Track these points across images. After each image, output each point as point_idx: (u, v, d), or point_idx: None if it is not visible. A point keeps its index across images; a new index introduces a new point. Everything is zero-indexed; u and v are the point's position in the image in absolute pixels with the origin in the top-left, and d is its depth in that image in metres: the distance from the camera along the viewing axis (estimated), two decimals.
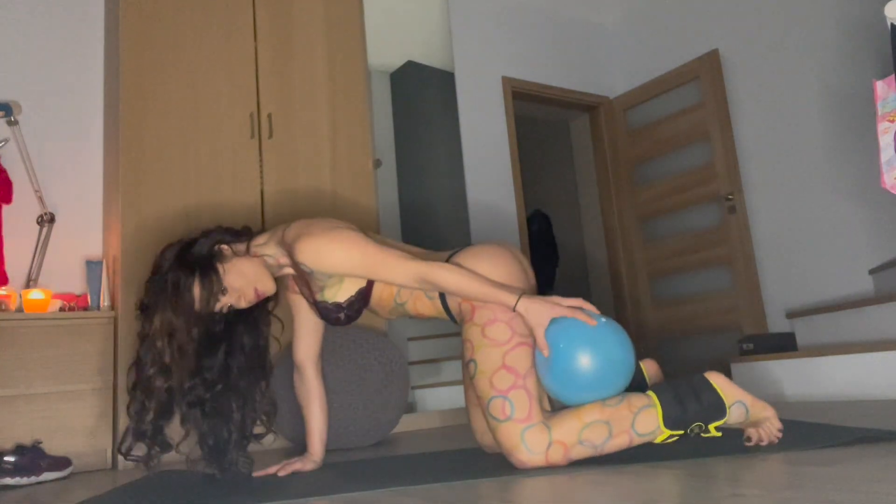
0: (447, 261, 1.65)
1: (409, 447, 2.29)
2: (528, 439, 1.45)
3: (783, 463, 1.29)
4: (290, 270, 1.73)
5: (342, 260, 1.59)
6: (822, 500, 0.93)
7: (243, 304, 1.66)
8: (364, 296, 1.71)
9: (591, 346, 1.47)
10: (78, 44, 3.09)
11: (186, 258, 1.61)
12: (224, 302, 1.62)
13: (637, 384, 1.84)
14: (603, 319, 1.53)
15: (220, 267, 1.61)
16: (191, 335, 1.57)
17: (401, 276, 1.60)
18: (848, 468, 1.16)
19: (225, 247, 1.65)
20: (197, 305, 1.58)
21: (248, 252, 1.67)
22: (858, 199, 3.56)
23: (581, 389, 1.49)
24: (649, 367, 1.92)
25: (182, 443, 1.64)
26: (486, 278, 1.57)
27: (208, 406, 1.65)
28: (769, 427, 1.50)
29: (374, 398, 2.50)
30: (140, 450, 1.58)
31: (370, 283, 1.70)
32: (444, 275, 1.57)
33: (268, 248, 1.70)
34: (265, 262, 1.69)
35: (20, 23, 2.98)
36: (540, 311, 1.50)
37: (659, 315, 4.52)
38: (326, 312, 1.73)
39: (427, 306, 1.72)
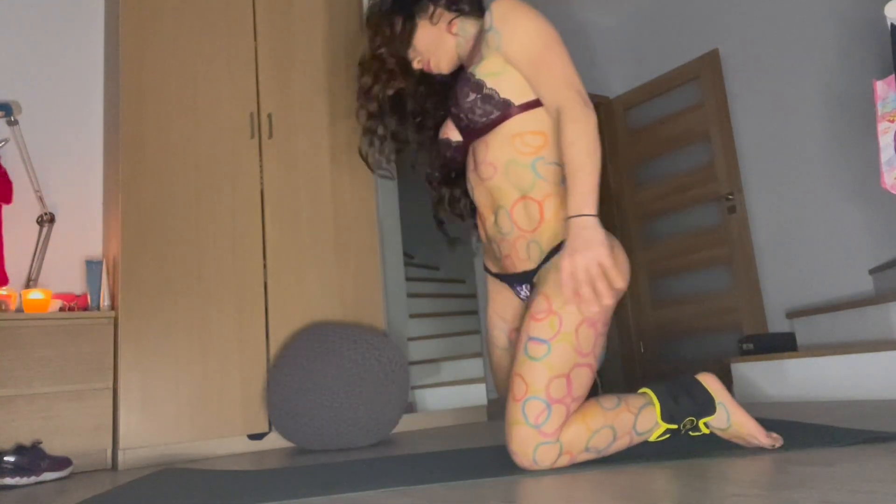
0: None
1: (409, 447, 2.29)
2: (539, 453, 1.42)
3: (783, 463, 1.29)
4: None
5: (528, 28, 1.53)
6: (822, 500, 0.93)
7: (417, 66, 1.73)
8: (505, 109, 1.54)
9: None
10: (78, 44, 3.09)
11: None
12: (411, 55, 1.72)
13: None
14: None
15: (417, 20, 1.68)
16: (389, 57, 1.70)
17: (559, 80, 1.49)
18: (848, 468, 1.16)
19: (432, 7, 1.69)
20: (392, 41, 1.69)
21: (448, 24, 1.69)
22: (858, 199, 3.55)
23: None
24: None
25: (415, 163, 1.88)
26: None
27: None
28: (758, 444, 1.48)
29: (374, 398, 2.50)
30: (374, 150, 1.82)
31: (519, 108, 1.54)
32: (589, 122, 1.45)
33: (467, 26, 1.69)
34: (456, 41, 1.70)
35: (20, 23, 2.98)
36: (599, 241, 1.39)
37: (659, 315, 4.52)
38: (462, 85, 1.58)
39: (553, 212, 1.52)
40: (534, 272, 1.58)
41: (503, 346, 1.76)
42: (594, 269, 1.37)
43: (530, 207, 1.55)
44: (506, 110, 1.55)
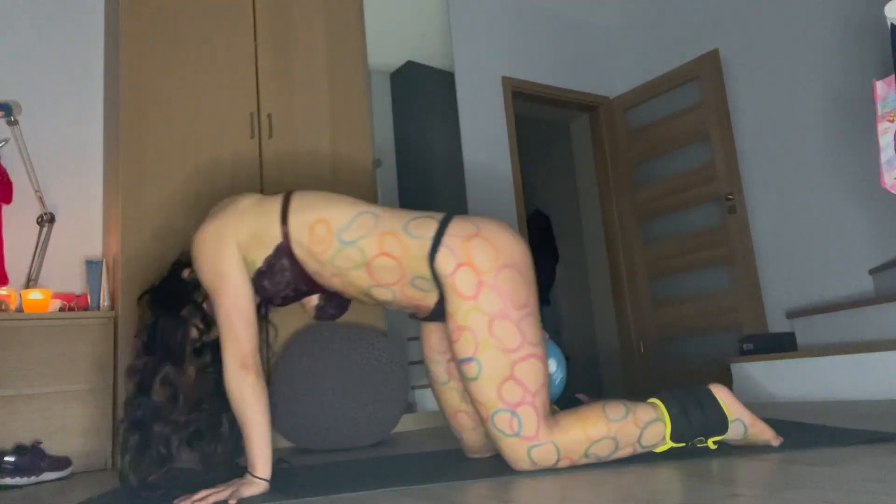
0: (447, 221, 1.50)
1: (409, 447, 2.29)
2: (536, 456, 1.41)
3: (783, 463, 1.29)
4: None
5: (200, 262, 1.56)
6: (822, 500, 0.93)
7: None
8: (281, 250, 1.53)
9: None
10: (78, 44, 3.08)
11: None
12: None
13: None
14: None
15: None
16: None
17: (221, 316, 1.49)
18: (848, 468, 1.16)
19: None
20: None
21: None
22: (858, 199, 3.55)
23: None
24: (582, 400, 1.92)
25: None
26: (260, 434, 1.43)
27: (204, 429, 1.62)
28: (766, 444, 1.50)
29: (374, 398, 2.50)
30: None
31: (285, 242, 1.54)
32: (242, 388, 1.43)
33: None
34: None
35: (20, 23, 2.98)
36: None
37: (659, 315, 4.52)
38: (254, 281, 1.57)
39: (400, 248, 1.48)
40: (441, 301, 1.53)
41: (443, 381, 1.71)
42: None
43: (375, 265, 1.52)
44: (280, 251, 1.56)
